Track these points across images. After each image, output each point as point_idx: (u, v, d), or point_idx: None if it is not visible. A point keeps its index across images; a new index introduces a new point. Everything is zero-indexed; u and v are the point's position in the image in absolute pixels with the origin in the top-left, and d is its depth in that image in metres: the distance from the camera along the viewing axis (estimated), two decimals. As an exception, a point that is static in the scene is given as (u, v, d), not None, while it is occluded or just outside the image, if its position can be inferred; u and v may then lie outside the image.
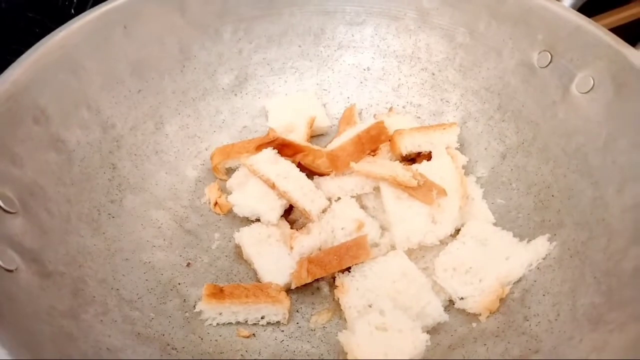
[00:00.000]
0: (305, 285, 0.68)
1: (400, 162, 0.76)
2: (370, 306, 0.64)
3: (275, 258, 0.70)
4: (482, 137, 0.82)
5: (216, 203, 0.79)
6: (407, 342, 0.58)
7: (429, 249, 0.69)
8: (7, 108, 0.63)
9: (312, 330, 0.67)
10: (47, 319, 0.54)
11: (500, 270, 0.66)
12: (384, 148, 0.79)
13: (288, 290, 0.69)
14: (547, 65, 0.75)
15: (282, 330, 0.67)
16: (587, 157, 0.68)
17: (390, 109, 0.88)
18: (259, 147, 0.77)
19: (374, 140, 0.77)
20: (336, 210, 0.71)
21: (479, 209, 0.74)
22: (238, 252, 0.74)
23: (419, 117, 0.87)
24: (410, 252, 0.68)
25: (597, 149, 0.67)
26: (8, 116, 0.63)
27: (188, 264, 0.72)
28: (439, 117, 0.86)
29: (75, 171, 0.69)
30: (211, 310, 0.65)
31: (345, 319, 0.66)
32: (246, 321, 0.66)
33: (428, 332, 0.62)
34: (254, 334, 0.66)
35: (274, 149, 0.76)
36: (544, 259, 0.67)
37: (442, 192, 0.69)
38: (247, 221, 0.75)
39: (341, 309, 0.66)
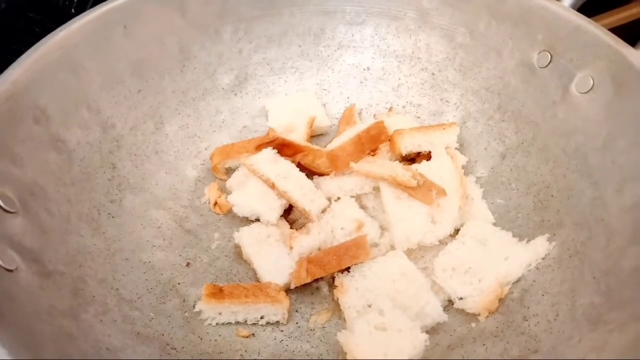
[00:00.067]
0: (305, 285, 0.68)
1: (399, 162, 0.76)
2: (369, 306, 0.64)
3: (274, 258, 0.70)
4: (481, 137, 0.82)
5: (216, 203, 0.79)
6: (406, 342, 0.58)
7: (428, 248, 0.70)
8: (7, 108, 0.63)
9: (311, 330, 0.67)
10: (47, 318, 0.55)
11: (500, 270, 0.66)
12: (384, 148, 0.79)
13: (287, 290, 0.69)
14: (546, 65, 0.75)
15: (282, 330, 0.67)
16: (587, 157, 0.68)
17: (390, 109, 0.88)
18: (259, 147, 0.77)
19: (373, 140, 0.77)
20: (336, 210, 0.71)
21: (478, 209, 0.74)
22: (238, 252, 0.74)
23: (419, 117, 0.87)
24: (409, 252, 0.68)
25: (596, 148, 0.67)
26: (8, 116, 0.63)
27: (188, 264, 0.73)
28: (439, 117, 0.86)
29: (75, 171, 0.70)
30: (211, 310, 0.65)
31: (344, 319, 0.66)
32: (245, 321, 0.67)
33: (427, 332, 0.62)
34: (253, 334, 0.66)
35: (273, 148, 0.76)
36: (543, 259, 0.67)
37: (442, 192, 0.69)
38: (247, 221, 0.75)
39: (340, 309, 0.66)
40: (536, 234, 0.69)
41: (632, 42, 0.68)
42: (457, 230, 0.71)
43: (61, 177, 0.67)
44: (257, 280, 0.71)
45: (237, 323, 0.67)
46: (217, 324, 0.66)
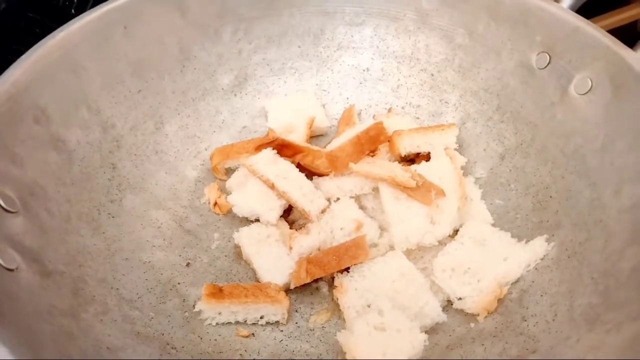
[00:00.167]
0: (304, 285, 0.68)
1: (399, 162, 0.76)
2: (368, 306, 0.64)
3: (274, 258, 0.70)
4: (480, 137, 0.82)
5: (216, 203, 0.79)
6: (406, 342, 0.59)
7: (427, 249, 0.70)
8: (7, 108, 0.63)
9: (311, 330, 0.67)
10: (48, 318, 0.55)
11: (499, 270, 0.66)
12: (383, 149, 0.79)
13: (287, 290, 0.69)
14: (545, 67, 0.75)
15: (281, 330, 0.67)
16: (585, 158, 0.69)
17: (390, 110, 0.88)
18: (259, 148, 0.77)
19: (373, 141, 0.77)
20: (335, 211, 0.71)
21: (477, 209, 0.74)
22: (237, 252, 0.74)
23: (418, 118, 0.88)
24: (408, 253, 0.69)
25: (595, 150, 0.68)
26: (8, 116, 0.63)
27: (188, 264, 0.73)
28: (438, 117, 0.87)
29: (76, 171, 0.70)
30: (210, 310, 0.65)
31: (344, 319, 0.67)
32: (245, 321, 0.67)
33: (426, 332, 0.62)
34: (253, 334, 0.66)
35: (273, 149, 0.76)
36: (541, 259, 0.67)
37: (441, 193, 0.69)
38: (247, 221, 0.75)
39: (340, 309, 0.66)
40: (535, 234, 0.70)
41: (630, 44, 0.69)
42: (456, 231, 0.71)
43: (61, 177, 0.68)
44: (257, 280, 0.71)
45: (237, 323, 0.67)
46: (217, 323, 0.66)
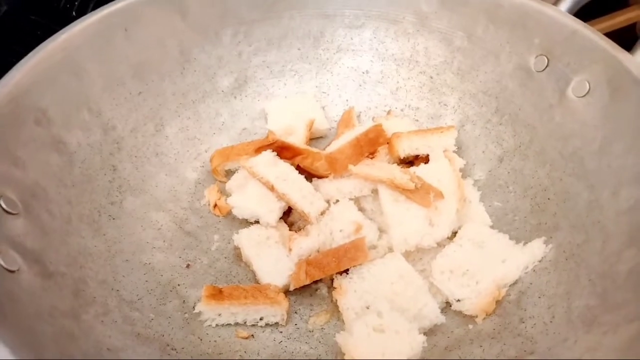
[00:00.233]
0: (304, 286, 0.68)
1: (398, 164, 0.77)
2: (367, 308, 0.64)
3: (274, 260, 0.70)
4: (479, 140, 0.83)
5: (215, 205, 0.80)
6: (404, 343, 0.59)
7: (426, 251, 0.70)
8: (9, 110, 0.63)
9: (310, 331, 0.68)
10: (49, 319, 0.55)
11: (497, 272, 0.67)
12: (382, 151, 0.79)
13: (286, 291, 0.69)
14: (543, 69, 0.76)
15: (281, 332, 0.67)
16: (583, 160, 0.69)
17: (389, 112, 0.89)
18: (259, 150, 0.77)
19: (372, 143, 0.77)
20: (334, 213, 0.72)
21: (476, 211, 0.75)
22: (237, 253, 0.75)
23: (417, 120, 0.88)
24: (407, 254, 0.69)
25: (592, 152, 0.68)
26: (10, 118, 0.63)
27: (187, 266, 0.73)
28: (437, 120, 0.87)
29: (76, 173, 0.70)
30: (210, 311, 0.66)
31: (343, 321, 0.67)
32: (245, 322, 0.67)
33: (425, 333, 0.62)
34: (252, 335, 0.67)
35: (273, 151, 0.76)
36: (540, 261, 0.68)
37: (440, 195, 0.70)
38: (247, 223, 0.75)
39: (339, 311, 0.67)
40: (533, 236, 0.70)
41: (627, 47, 0.69)
42: (454, 233, 0.71)
43: (62, 179, 0.68)
44: (257, 281, 0.71)
45: (237, 324, 0.67)
46: (216, 325, 0.67)
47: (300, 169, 0.77)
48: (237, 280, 0.73)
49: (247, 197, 0.74)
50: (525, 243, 0.69)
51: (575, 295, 0.61)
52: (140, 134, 0.79)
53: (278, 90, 0.91)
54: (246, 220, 0.75)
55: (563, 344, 0.57)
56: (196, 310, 0.66)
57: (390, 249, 0.70)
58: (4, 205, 0.58)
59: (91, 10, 0.76)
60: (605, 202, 0.65)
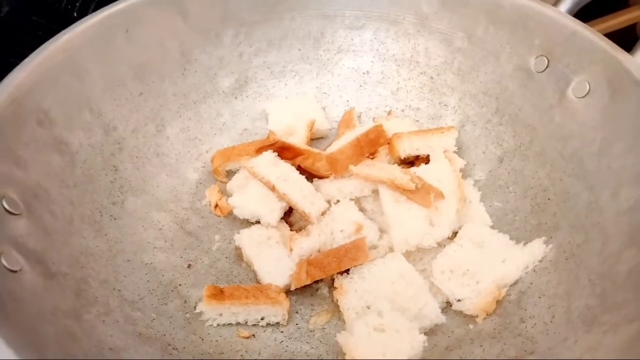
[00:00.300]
0: (305, 286, 0.69)
1: (398, 165, 0.77)
2: (368, 307, 0.64)
3: (274, 260, 0.71)
4: (479, 140, 0.83)
5: (217, 205, 0.80)
6: (405, 343, 0.59)
7: (426, 251, 0.70)
8: (11, 111, 0.63)
9: (311, 331, 0.68)
10: (51, 319, 0.55)
11: (497, 272, 0.67)
12: (383, 151, 0.80)
13: (287, 291, 0.69)
14: (544, 70, 0.76)
15: (282, 331, 0.68)
16: (583, 161, 0.69)
17: (389, 113, 0.89)
18: (259, 150, 0.77)
19: (372, 144, 0.78)
20: (335, 213, 0.72)
21: (476, 211, 0.75)
22: (238, 253, 0.75)
23: (418, 121, 0.88)
24: (408, 254, 0.69)
25: (592, 153, 0.68)
26: (12, 119, 0.63)
27: (189, 266, 0.73)
28: (438, 120, 0.87)
29: (78, 173, 0.70)
30: (211, 311, 0.66)
31: (343, 320, 0.67)
32: (246, 322, 0.67)
33: (425, 333, 0.63)
34: (253, 335, 0.67)
35: (274, 151, 0.76)
36: (540, 261, 0.68)
37: (440, 195, 0.70)
38: (247, 223, 0.76)
39: (340, 310, 0.67)
40: (533, 236, 0.70)
41: (627, 48, 0.69)
42: (455, 233, 0.72)
43: (64, 179, 0.68)
44: (258, 281, 0.71)
45: (238, 324, 0.67)
46: (218, 324, 0.67)
47: (301, 170, 0.77)
48: (238, 280, 0.73)
49: (248, 197, 0.74)
50: (526, 243, 0.69)
51: (575, 295, 0.61)
52: (142, 135, 0.80)
53: (279, 90, 0.91)
54: (247, 220, 0.75)
55: (563, 344, 0.58)
56: (197, 310, 0.66)
57: (391, 249, 0.70)
58: (6, 206, 0.59)
59: (92, 11, 0.76)
60: (605, 202, 0.65)
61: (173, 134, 0.83)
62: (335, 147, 0.79)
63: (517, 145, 0.78)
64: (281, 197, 0.73)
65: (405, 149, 0.77)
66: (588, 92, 0.70)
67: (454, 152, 0.79)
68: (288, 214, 0.77)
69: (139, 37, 0.78)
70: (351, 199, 0.74)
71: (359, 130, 0.80)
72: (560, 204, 0.70)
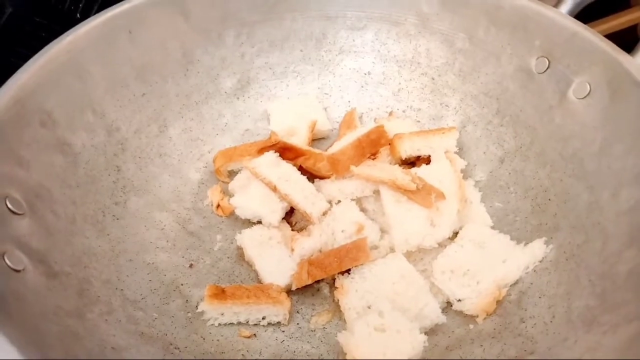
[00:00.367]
0: (306, 286, 0.69)
1: (399, 165, 0.77)
2: (369, 307, 0.65)
3: (276, 260, 0.71)
4: (480, 141, 0.83)
5: (218, 205, 0.80)
6: (405, 342, 0.59)
7: (427, 251, 0.70)
8: (14, 112, 0.64)
9: (312, 330, 0.68)
10: (54, 318, 0.56)
11: (498, 272, 0.67)
12: (384, 152, 0.80)
13: (289, 291, 0.70)
14: (544, 71, 0.76)
15: (283, 331, 0.68)
16: (583, 161, 0.69)
17: (391, 113, 0.89)
18: (261, 151, 0.78)
19: (374, 144, 0.78)
20: (336, 213, 0.72)
21: (477, 212, 0.75)
22: (240, 253, 0.75)
23: (419, 121, 0.88)
24: (409, 255, 0.69)
25: (593, 153, 0.68)
26: (15, 120, 0.64)
27: (191, 265, 0.74)
28: (439, 121, 0.87)
29: (81, 173, 0.71)
30: (213, 311, 0.66)
31: (344, 320, 0.67)
32: (247, 322, 0.67)
33: (426, 333, 0.63)
34: (255, 334, 0.67)
35: (275, 152, 0.77)
36: (540, 261, 0.68)
37: (441, 196, 0.70)
38: (249, 223, 0.76)
39: (341, 310, 0.67)
40: (533, 237, 0.70)
41: (627, 49, 0.70)
42: (455, 233, 0.72)
43: (67, 180, 0.68)
44: (259, 281, 0.72)
45: (239, 323, 0.68)
46: (219, 324, 0.67)
47: (303, 170, 0.77)
48: (239, 280, 0.73)
49: (249, 197, 0.75)
50: (526, 243, 0.69)
51: (575, 296, 0.61)
52: (144, 135, 0.80)
53: (280, 91, 0.91)
54: (249, 220, 0.76)
55: (563, 344, 0.58)
56: (199, 310, 0.67)
57: (392, 249, 0.70)
58: (9, 205, 0.59)
59: (95, 13, 0.77)
60: (605, 203, 0.65)
61: (175, 134, 0.83)
62: (336, 147, 0.79)
63: (518, 146, 0.79)
64: (283, 198, 0.73)
65: (407, 150, 0.77)
66: (588, 93, 0.70)
67: (455, 152, 0.79)
68: (289, 214, 0.77)
69: (142, 38, 0.79)
70: (352, 200, 0.74)
71: (360, 131, 0.80)
72: (561, 204, 0.70)
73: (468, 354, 0.63)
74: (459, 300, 0.67)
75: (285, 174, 0.75)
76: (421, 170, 0.74)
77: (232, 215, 0.79)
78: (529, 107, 0.78)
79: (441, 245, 0.70)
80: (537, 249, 0.68)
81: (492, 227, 0.74)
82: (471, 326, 0.66)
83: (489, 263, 0.68)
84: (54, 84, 0.69)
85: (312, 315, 0.69)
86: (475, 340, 0.64)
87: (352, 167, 0.73)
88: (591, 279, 0.61)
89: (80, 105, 0.72)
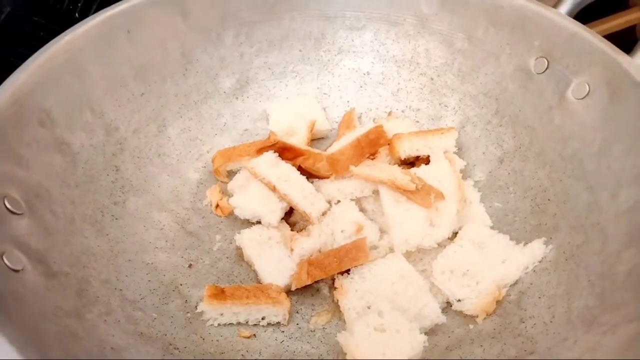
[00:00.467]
0: (305, 286, 0.69)
1: (399, 165, 0.77)
2: (369, 307, 0.65)
3: (275, 260, 0.71)
4: (479, 141, 0.83)
5: (217, 205, 0.80)
6: (405, 343, 0.59)
7: (427, 251, 0.70)
8: (13, 111, 0.63)
9: (311, 331, 0.68)
10: (53, 318, 0.55)
11: (497, 272, 0.67)
12: (383, 152, 0.80)
13: (288, 291, 0.70)
14: (543, 71, 0.76)
15: (283, 331, 0.68)
16: (583, 162, 0.70)
17: (390, 113, 0.89)
18: (260, 150, 0.78)
19: (373, 144, 0.78)
20: (336, 213, 0.72)
21: (476, 212, 0.75)
22: (239, 253, 0.75)
23: (418, 122, 0.88)
24: (408, 255, 0.69)
25: (592, 154, 0.69)
26: (14, 119, 0.64)
27: (190, 265, 0.74)
28: (438, 121, 0.87)
29: (80, 173, 0.70)
30: (212, 311, 0.66)
31: (344, 320, 0.67)
32: (247, 322, 0.67)
33: (426, 333, 0.63)
34: (254, 335, 0.67)
35: (274, 152, 0.77)
36: (540, 262, 0.68)
37: (440, 196, 0.70)
38: (248, 223, 0.76)
39: (340, 310, 0.67)
40: (533, 237, 0.70)
41: (627, 49, 0.70)
42: (455, 233, 0.72)
43: (65, 179, 0.68)
44: (258, 281, 0.72)
45: (239, 324, 0.67)
46: (219, 324, 0.67)
47: (302, 170, 0.77)
48: (239, 280, 0.73)
49: (248, 197, 0.75)
50: (526, 244, 0.69)
51: (575, 296, 0.62)
52: (143, 135, 0.80)
53: (279, 91, 0.91)
54: (248, 220, 0.75)
55: (563, 344, 0.58)
56: (198, 310, 0.66)
57: (391, 249, 0.70)
58: (8, 205, 0.59)
59: (94, 12, 0.77)
60: (605, 203, 0.65)
61: (174, 134, 0.83)
62: (335, 147, 0.79)
63: (517, 146, 0.79)
64: (282, 198, 0.73)
65: (406, 150, 0.77)
66: (587, 94, 0.70)
67: (454, 152, 0.79)
68: (289, 214, 0.77)
69: (141, 37, 0.79)
70: (352, 200, 0.74)
71: (359, 131, 0.80)
72: (560, 204, 0.71)
73: (468, 354, 0.63)
74: (459, 300, 0.67)
75: (285, 174, 0.75)
76: (420, 171, 0.74)
77: (231, 215, 0.79)
78: (528, 107, 0.78)
79: (441, 245, 0.70)
80: (537, 249, 0.68)
81: (492, 227, 0.74)
82: (471, 326, 0.66)
83: (489, 263, 0.68)
84: (53, 83, 0.69)
85: (311, 316, 0.69)
86: (475, 341, 0.64)
87: (352, 167, 0.73)
88: (591, 279, 0.61)
89: (79, 105, 0.72)
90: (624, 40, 0.78)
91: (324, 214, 0.74)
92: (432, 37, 0.87)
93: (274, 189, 0.73)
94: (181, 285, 0.71)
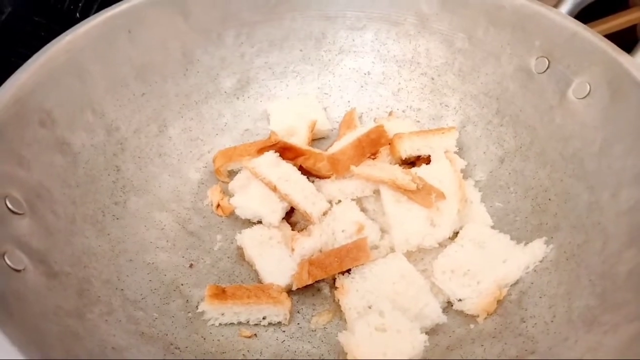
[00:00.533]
0: (306, 286, 0.69)
1: (399, 165, 0.77)
2: (369, 307, 0.65)
3: (276, 259, 0.71)
4: (480, 141, 0.83)
5: (218, 205, 0.80)
6: (406, 342, 0.59)
7: (427, 251, 0.71)
8: (14, 112, 0.63)
9: (312, 330, 0.68)
10: (54, 318, 0.55)
11: (498, 272, 0.67)
12: (384, 152, 0.80)
13: (289, 291, 0.70)
14: (544, 71, 0.76)
15: (283, 331, 0.68)
16: (583, 161, 0.69)
17: (390, 113, 0.89)
18: (261, 150, 0.78)
19: (374, 144, 0.78)
20: (337, 213, 0.72)
21: (477, 212, 0.75)
22: (240, 253, 0.75)
23: (419, 121, 0.89)
24: (409, 255, 0.69)
25: (593, 153, 0.68)
26: (15, 119, 0.64)
27: (191, 265, 0.74)
28: (438, 121, 0.87)
29: (80, 173, 0.70)
30: (213, 311, 0.66)
31: (345, 320, 0.67)
32: (248, 321, 0.67)
33: (427, 333, 0.63)
34: (255, 334, 0.67)
35: (275, 152, 0.77)
36: (540, 261, 0.68)
37: (441, 196, 0.70)
38: (249, 223, 0.76)
39: (341, 310, 0.67)
40: (534, 237, 0.70)
41: (627, 49, 0.70)
42: (456, 233, 0.72)
43: (66, 179, 0.68)
44: (259, 281, 0.72)
45: (240, 323, 0.67)
46: (220, 324, 0.67)
47: (303, 170, 0.77)
48: (240, 280, 0.73)
49: (249, 197, 0.75)
50: (526, 243, 0.69)
51: (575, 295, 0.61)
52: (144, 135, 0.80)
53: (280, 91, 0.91)
54: (249, 220, 0.76)
55: (564, 344, 0.58)
56: (199, 310, 0.66)
57: (392, 249, 0.70)
58: (9, 205, 0.59)
59: (95, 12, 0.77)
60: (606, 203, 0.65)
61: (175, 134, 0.83)
62: (336, 147, 0.79)
63: (518, 145, 0.79)
64: (283, 198, 0.73)
65: (406, 150, 0.77)
66: (588, 93, 0.70)
67: (455, 152, 0.79)
68: (290, 214, 0.77)
69: (141, 38, 0.79)
70: (352, 199, 0.74)
71: (360, 131, 0.80)
72: (561, 204, 0.71)
73: (469, 353, 0.63)
74: (460, 300, 0.67)
75: (285, 173, 0.75)
76: (421, 170, 0.74)
77: (232, 215, 0.79)
78: (529, 107, 0.78)
79: (441, 245, 0.70)
80: (538, 249, 0.68)
81: (493, 227, 0.74)
82: (472, 326, 0.66)
83: (490, 263, 0.68)
84: (54, 83, 0.69)
85: (312, 315, 0.69)
86: (476, 340, 0.64)
87: (352, 167, 0.73)
88: (591, 278, 0.61)
89: (79, 105, 0.72)
90: (625, 40, 0.78)
91: (324, 213, 0.74)
92: (432, 37, 0.87)
93: (274, 189, 0.73)
94: (182, 285, 0.71)
